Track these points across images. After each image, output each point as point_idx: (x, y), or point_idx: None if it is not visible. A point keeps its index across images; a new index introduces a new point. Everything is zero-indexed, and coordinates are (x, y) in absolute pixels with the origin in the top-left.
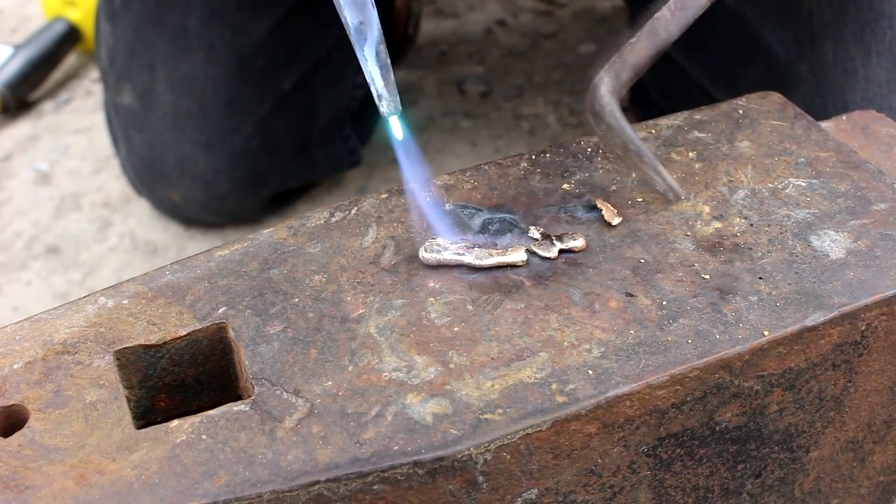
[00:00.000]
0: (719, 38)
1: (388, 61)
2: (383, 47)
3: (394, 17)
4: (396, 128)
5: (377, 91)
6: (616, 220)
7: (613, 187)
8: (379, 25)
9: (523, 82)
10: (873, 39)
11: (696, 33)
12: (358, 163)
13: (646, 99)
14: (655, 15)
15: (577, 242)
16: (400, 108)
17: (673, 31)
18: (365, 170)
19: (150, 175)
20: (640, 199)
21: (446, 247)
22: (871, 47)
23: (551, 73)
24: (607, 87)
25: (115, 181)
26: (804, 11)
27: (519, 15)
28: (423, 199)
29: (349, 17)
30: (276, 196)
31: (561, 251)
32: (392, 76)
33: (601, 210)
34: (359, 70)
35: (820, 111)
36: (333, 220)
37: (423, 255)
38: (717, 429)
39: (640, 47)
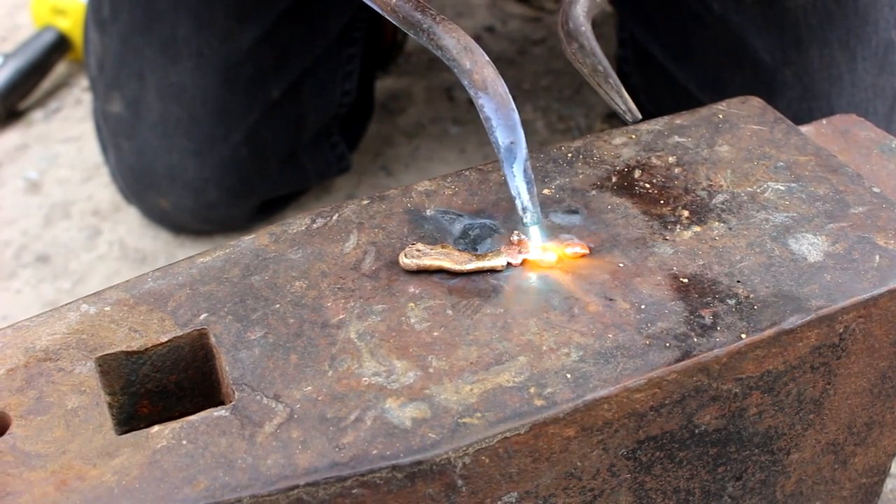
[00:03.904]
0: (706, 44)
1: (533, 177)
2: (529, 164)
3: (382, 24)
4: (536, 236)
5: (522, 204)
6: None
7: (593, 192)
8: (526, 145)
9: (512, 88)
10: (859, 45)
11: (683, 39)
12: (347, 170)
13: (635, 103)
14: None
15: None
16: (541, 219)
17: None
18: (353, 177)
19: (139, 183)
20: (620, 203)
21: (426, 252)
22: (856, 53)
23: (540, 80)
24: (582, 8)
25: (104, 189)
26: (790, 17)
27: (507, 21)
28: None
29: (501, 137)
30: (264, 203)
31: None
32: (535, 190)
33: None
34: (347, 77)
35: (806, 116)
36: (315, 226)
37: (404, 260)
38: (697, 431)
39: None
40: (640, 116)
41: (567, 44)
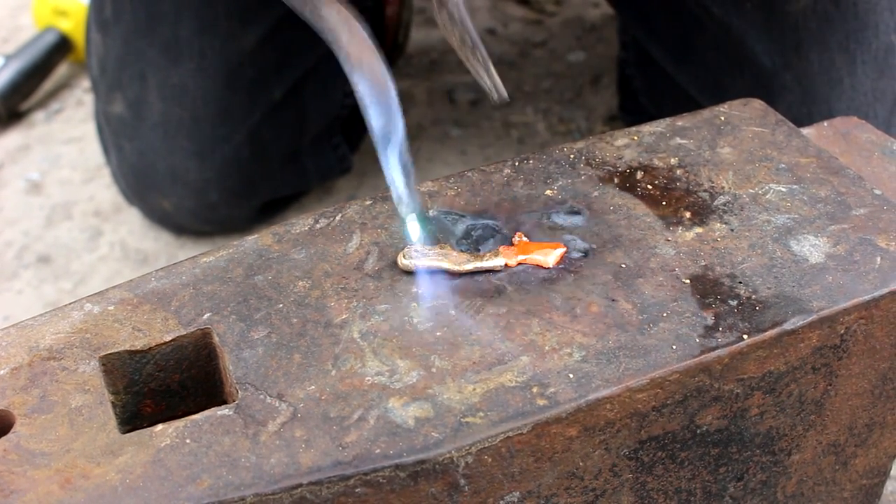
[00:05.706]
0: (706, 48)
1: (410, 164)
2: (405, 150)
3: (384, 26)
4: (414, 229)
5: (397, 193)
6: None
7: (595, 193)
8: (403, 130)
9: (513, 91)
10: (858, 49)
11: (684, 42)
12: (348, 171)
13: (636, 106)
14: None
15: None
16: (418, 209)
17: None
18: (355, 178)
19: (141, 184)
20: (622, 204)
21: (425, 253)
22: (856, 56)
23: (541, 82)
24: None
25: (105, 190)
26: (790, 21)
27: (509, 24)
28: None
29: (374, 120)
30: (266, 204)
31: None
32: (412, 179)
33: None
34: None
35: (805, 120)
36: (318, 226)
37: (402, 261)
38: (699, 432)
39: None
40: (506, 96)
41: (437, 11)
